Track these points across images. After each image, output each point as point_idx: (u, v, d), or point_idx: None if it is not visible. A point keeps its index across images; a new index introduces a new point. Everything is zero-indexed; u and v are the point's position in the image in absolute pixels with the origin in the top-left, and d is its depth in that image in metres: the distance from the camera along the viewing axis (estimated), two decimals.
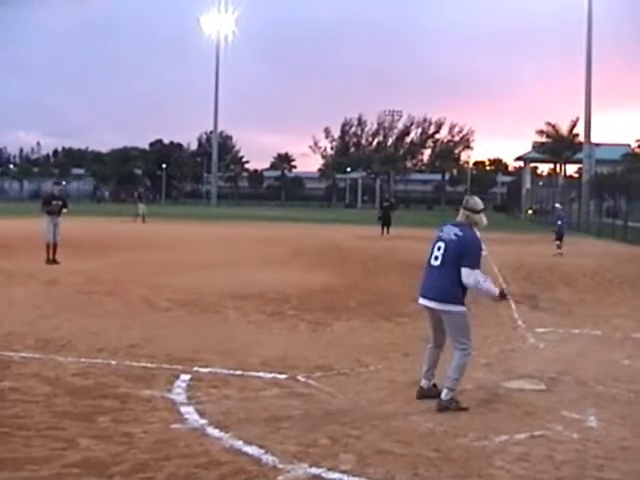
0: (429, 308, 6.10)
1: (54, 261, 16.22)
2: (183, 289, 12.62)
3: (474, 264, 5.85)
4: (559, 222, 23.97)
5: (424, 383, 6.26)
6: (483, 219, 6.11)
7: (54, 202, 17.00)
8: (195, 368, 7.07)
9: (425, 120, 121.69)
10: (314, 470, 4.52)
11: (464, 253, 5.86)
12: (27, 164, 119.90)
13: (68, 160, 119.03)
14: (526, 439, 5.24)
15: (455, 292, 5.90)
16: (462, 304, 5.96)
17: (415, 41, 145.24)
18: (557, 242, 23.09)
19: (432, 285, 6.03)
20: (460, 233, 5.95)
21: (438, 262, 5.98)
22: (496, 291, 6.02)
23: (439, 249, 6.00)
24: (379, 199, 77.80)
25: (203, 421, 5.44)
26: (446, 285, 5.90)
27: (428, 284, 6.09)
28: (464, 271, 5.81)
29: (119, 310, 10.52)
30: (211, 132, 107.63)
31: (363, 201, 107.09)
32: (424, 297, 6.11)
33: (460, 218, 6.11)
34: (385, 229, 31.26)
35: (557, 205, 29.26)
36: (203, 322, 9.82)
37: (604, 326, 10.17)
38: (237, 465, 4.56)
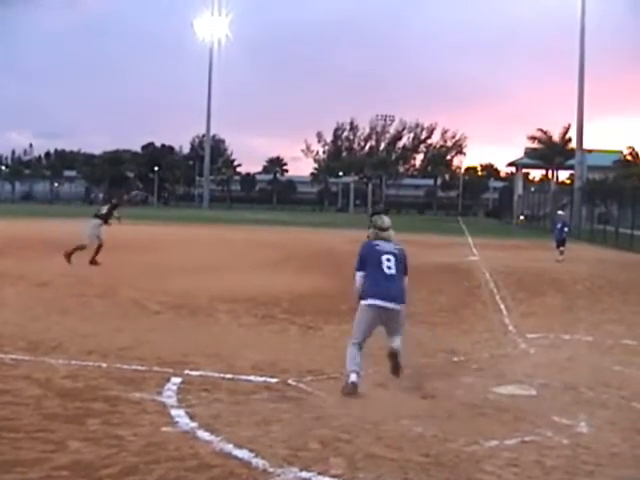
0: (386, 309, 6.60)
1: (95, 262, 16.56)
2: (174, 292, 12.59)
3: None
4: (565, 228, 23.95)
5: (357, 379, 6.47)
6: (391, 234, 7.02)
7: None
8: (186, 371, 7.06)
9: (417, 125, 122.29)
10: (304, 474, 4.51)
11: (406, 263, 6.90)
12: (19, 165, 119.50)
13: (60, 162, 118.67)
14: (516, 444, 5.25)
15: (405, 294, 6.81)
16: None
17: (408, 46, 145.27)
18: (561, 248, 23.08)
19: (395, 290, 6.67)
20: (397, 246, 6.93)
21: (393, 271, 6.71)
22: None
23: (389, 260, 6.74)
24: (371, 206, 77.52)
25: (193, 424, 5.42)
26: (402, 289, 6.77)
27: (391, 289, 6.66)
28: (406, 279, 6.90)
29: (110, 312, 10.49)
30: (203, 135, 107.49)
31: (355, 205, 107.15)
32: (387, 300, 6.62)
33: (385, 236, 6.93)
34: None
35: (560, 212, 29.35)
36: (194, 325, 9.81)
37: (595, 332, 10.19)
38: (227, 468, 4.56)
